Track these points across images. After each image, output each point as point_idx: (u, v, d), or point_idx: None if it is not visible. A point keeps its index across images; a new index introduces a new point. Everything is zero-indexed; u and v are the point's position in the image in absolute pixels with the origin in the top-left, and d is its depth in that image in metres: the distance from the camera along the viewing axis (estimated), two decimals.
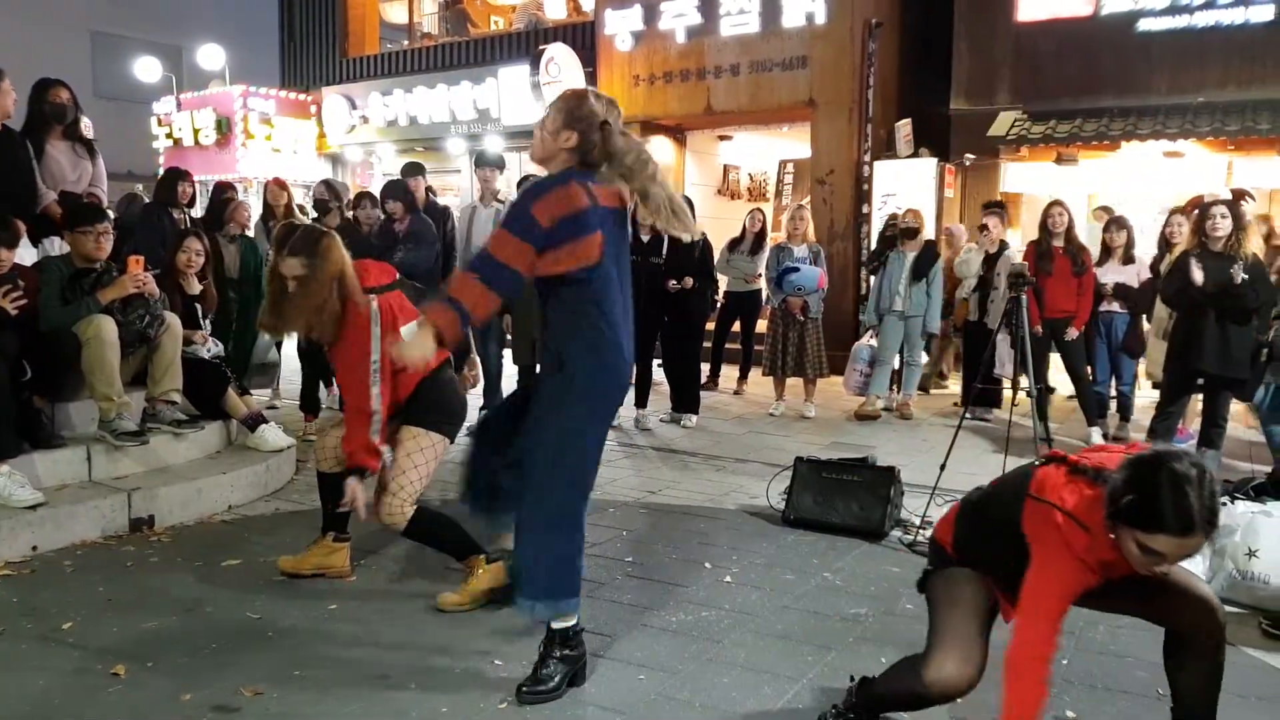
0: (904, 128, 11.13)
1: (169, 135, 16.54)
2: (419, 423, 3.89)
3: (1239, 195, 7.45)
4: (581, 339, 3.00)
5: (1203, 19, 9.78)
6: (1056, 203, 7.48)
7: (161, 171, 9.92)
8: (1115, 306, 7.35)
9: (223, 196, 7.61)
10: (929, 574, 2.68)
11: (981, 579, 2.57)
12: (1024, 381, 5.60)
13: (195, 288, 6.04)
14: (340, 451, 3.98)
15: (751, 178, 15.01)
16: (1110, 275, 7.38)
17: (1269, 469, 5.67)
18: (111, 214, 6.13)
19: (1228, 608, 3.96)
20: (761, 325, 9.05)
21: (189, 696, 3.04)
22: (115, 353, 4.86)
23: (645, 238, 7.44)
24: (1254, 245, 5.62)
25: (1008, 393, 7.28)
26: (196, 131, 16.08)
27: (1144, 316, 7.32)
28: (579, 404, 3.03)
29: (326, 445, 4.11)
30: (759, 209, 9.74)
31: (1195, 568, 4.11)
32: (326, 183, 8.75)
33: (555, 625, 3.12)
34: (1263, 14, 9.52)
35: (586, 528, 4.56)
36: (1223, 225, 5.61)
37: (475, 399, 7.36)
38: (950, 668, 2.46)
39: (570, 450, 3.05)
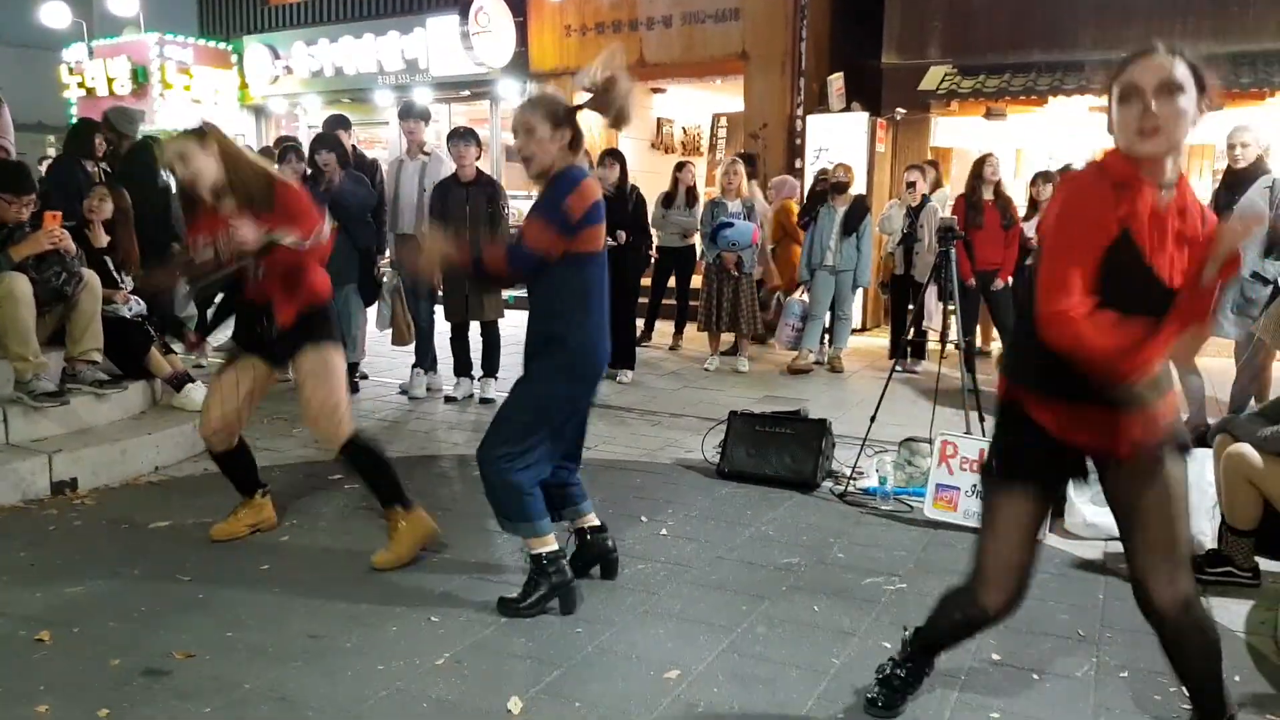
0: (836, 81, 11.14)
1: (81, 85, 15.89)
2: (313, 343, 3.83)
3: None
4: (575, 319, 3.30)
5: None
6: (991, 155, 7.58)
7: (74, 122, 9.56)
8: None
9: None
10: (988, 470, 2.50)
11: (1030, 493, 2.43)
12: (952, 333, 5.69)
13: (102, 239, 5.85)
14: (225, 426, 3.95)
15: (685, 131, 14.95)
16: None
17: (1185, 417, 5.87)
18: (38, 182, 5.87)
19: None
20: (696, 280, 9.07)
21: (118, 661, 2.99)
22: (30, 311, 4.69)
23: None
24: None
25: (934, 345, 7.42)
26: (110, 81, 15.45)
27: None
28: (563, 369, 3.32)
29: (211, 418, 3.95)
30: (689, 162, 9.72)
31: None
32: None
33: (531, 551, 3.40)
34: None
35: None
36: None
37: (407, 355, 7.28)
38: (998, 598, 2.50)
39: (537, 396, 3.34)
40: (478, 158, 6.62)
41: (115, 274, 5.84)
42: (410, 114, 7.26)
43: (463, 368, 7.00)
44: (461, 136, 6.54)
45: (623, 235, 7.45)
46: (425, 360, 7.14)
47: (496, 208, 6.53)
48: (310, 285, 3.82)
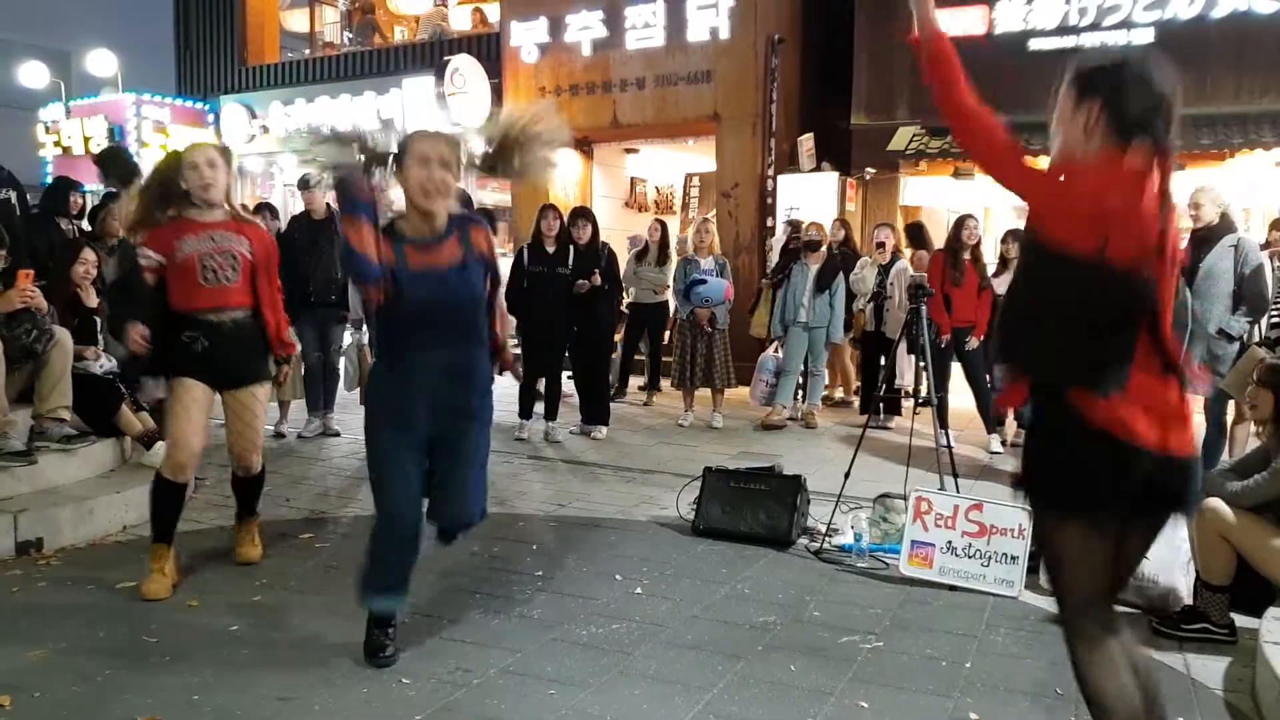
0: (806, 142, 11.33)
1: (58, 143, 15.92)
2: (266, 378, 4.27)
3: None
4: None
5: (1089, 39, 10.19)
6: (970, 216, 7.71)
7: (50, 180, 9.56)
8: None
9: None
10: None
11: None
12: (924, 390, 5.74)
13: (93, 300, 5.85)
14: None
15: (658, 190, 15.10)
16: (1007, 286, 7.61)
17: None
18: None
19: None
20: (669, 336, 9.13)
21: None
22: None
23: (550, 249, 7.44)
24: None
25: (907, 401, 7.47)
26: (87, 140, 15.51)
27: None
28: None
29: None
30: (658, 220, 9.84)
31: None
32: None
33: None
34: (1143, 36, 9.96)
35: (496, 543, 4.56)
36: None
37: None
38: None
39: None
40: None
41: (99, 333, 5.82)
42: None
43: None
44: None
45: (596, 278, 7.51)
46: None
47: None
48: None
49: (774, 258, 9.77)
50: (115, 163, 6.97)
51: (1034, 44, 10.48)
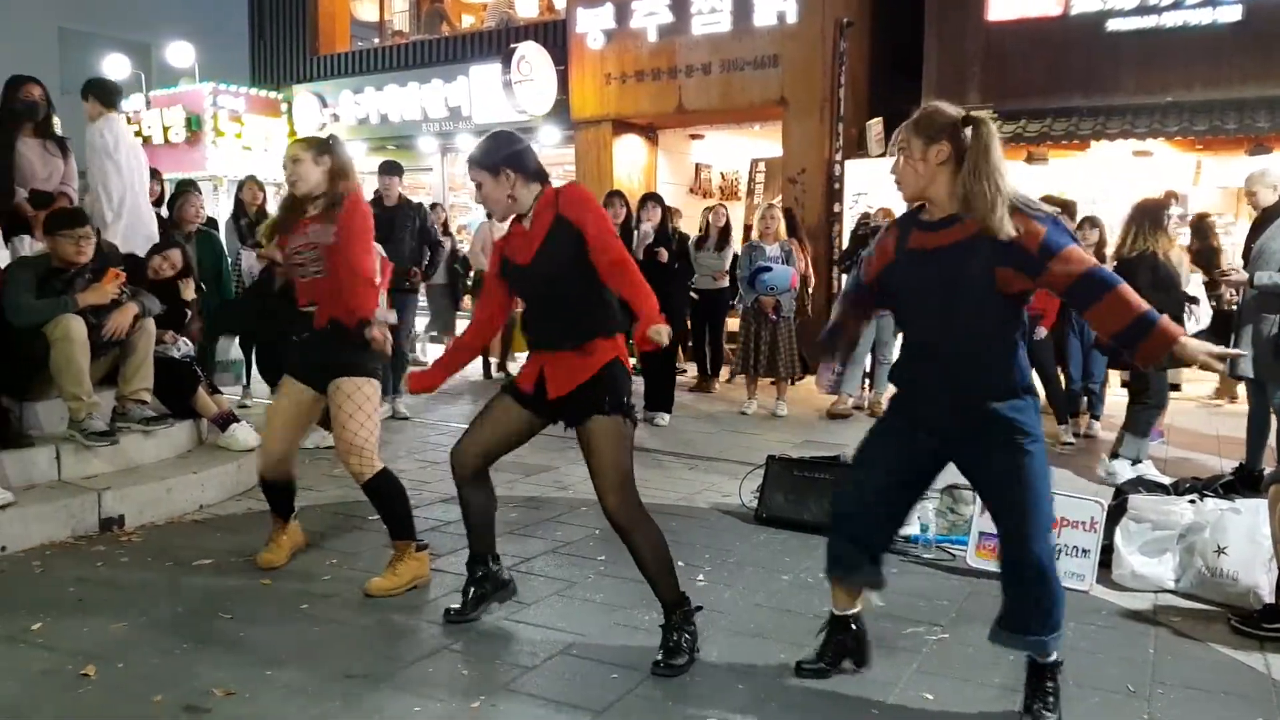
0: (875, 127, 11.18)
1: (138, 133, 16.31)
2: (356, 372, 3.95)
3: (1166, 197, 7.63)
4: None
5: (1171, 19, 9.90)
6: None
7: None
8: None
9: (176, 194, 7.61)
10: None
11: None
12: None
13: (190, 293, 6.02)
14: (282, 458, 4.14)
15: (723, 176, 15.03)
16: None
17: (1237, 464, 5.76)
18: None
19: (1197, 604, 4.02)
20: (732, 324, 9.10)
21: (160, 698, 3.01)
22: (85, 353, 4.79)
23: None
24: (1163, 245, 5.80)
25: None
26: (166, 129, 15.88)
27: None
28: None
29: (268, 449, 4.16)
30: (720, 205, 9.79)
31: (1164, 566, 4.17)
32: None
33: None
34: (1230, 14, 9.64)
35: (560, 527, 4.58)
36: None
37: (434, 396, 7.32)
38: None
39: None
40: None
41: (187, 325, 5.98)
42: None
43: None
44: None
45: (663, 253, 7.55)
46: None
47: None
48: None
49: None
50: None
51: (1112, 24, 10.20)
